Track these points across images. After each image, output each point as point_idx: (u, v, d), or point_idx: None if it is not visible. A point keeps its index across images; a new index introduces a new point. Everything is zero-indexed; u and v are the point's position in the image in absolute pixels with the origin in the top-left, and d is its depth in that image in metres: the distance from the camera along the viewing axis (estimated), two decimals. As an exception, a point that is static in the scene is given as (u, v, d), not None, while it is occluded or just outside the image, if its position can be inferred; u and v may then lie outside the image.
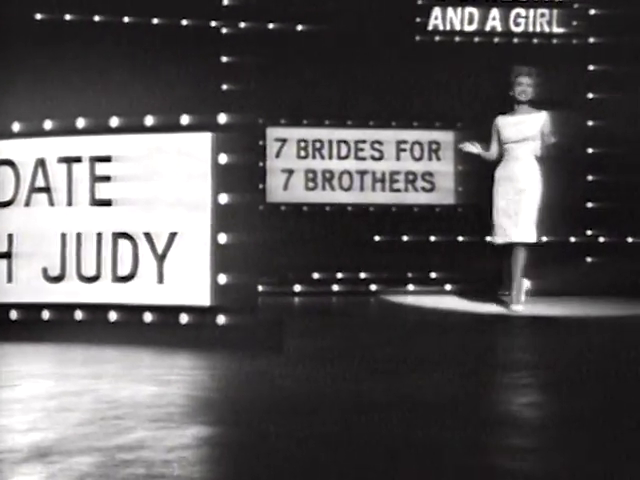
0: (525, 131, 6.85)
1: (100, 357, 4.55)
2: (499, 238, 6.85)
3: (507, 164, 6.88)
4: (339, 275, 8.27)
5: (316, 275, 8.24)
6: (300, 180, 8.75)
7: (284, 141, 8.70)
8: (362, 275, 8.30)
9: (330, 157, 8.78)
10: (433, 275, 8.37)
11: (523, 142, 6.85)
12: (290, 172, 8.73)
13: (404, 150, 8.84)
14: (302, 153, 8.76)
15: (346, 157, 8.81)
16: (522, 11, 8.88)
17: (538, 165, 6.84)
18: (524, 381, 4.07)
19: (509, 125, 6.92)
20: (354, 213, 8.75)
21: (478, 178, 8.64)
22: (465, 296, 7.65)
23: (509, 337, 5.86)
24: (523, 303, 6.81)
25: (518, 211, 6.76)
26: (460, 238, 8.70)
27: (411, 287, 8.24)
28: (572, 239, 8.75)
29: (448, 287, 8.20)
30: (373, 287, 8.19)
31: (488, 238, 6.99)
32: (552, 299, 7.28)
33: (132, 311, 4.93)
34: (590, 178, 8.84)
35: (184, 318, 4.89)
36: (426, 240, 8.72)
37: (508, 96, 6.84)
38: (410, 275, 8.32)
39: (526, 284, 6.94)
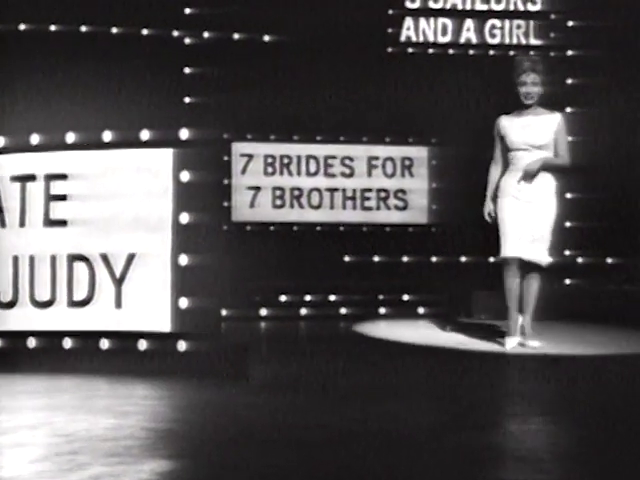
0: (535, 136, 6.07)
1: (55, 387, 4.53)
2: (507, 252, 6.03)
3: (513, 174, 6.08)
4: (307, 298, 8.29)
5: (283, 298, 8.25)
6: (267, 198, 8.77)
7: (250, 157, 8.73)
8: (332, 298, 8.33)
9: (299, 174, 8.82)
10: (406, 298, 8.42)
11: (533, 150, 6.05)
12: (257, 189, 8.75)
13: (376, 166, 8.89)
14: (269, 169, 8.79)
15: (315, 174, 8.84)
16: (497, 22, 8.99)
17: (552, 177, 6.13)
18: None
19: (515, 128, 6.12)
20: (324, 232, 8.78)
21: (453, 196, 8.73)
22: (441, 322, 7.67)
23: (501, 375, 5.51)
24: (536, 337, 6.15)
25: (528, 226, 6.01)
26: (434, 259, 8.76)
27: (383, 310, 8.28)
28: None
29: (421, 310, 8.25)
30: (343, 310, 8.22)
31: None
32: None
33: (88, 338, 4.92)
34: (568, 196, 8.93)
35: (143, 345, 4.89)
36: (399, 261, 8.77)
37: (513, 97, 6.09)
38: (382, 298, 8.36)
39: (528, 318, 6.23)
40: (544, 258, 6.10)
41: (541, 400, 4.49)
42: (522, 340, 6.16)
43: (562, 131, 6.12)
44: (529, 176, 6.03)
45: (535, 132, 6.08)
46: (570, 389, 4.78)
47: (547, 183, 6.10)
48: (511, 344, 6.09)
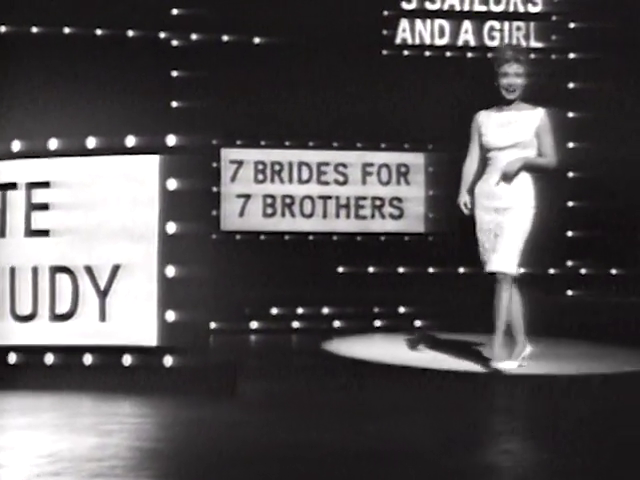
0: (515, 134, 5.69)
1: (37, 405, 4.52)
2: (488, 267, 5.80)
3: (490, 177, 5.74)
4: (299, 311, 8.29)
5: (274, 311, 8.25)
6: (257, 206, 8.79)
7: (240, 163, 8.75)
8: (324, 310, 8.33)
9: (290, 181, 8.84)
10: (402, 310, 8.43)
11: (512, 149, 5.69)
12: (246, 197, 8.77)
13: (370, 174, 8.93)
14: (260, 177, 8.81)
15: (308, 181, 8.87)
16: (496, 24, 9.04)
17: (531, 180, 5.75)
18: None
19: (494, 125, 5.75)
20: (316, 242, 8.80)
21: (451, 204, 8.75)
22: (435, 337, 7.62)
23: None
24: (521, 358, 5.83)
25: (499, 234, 5.71)
26: (431, 269, 8.78)
27: (378, 323, 8.28)
28: (551, 271, 8.85)
29: (418, 323, 8.27)
30: (336, 323, 8.23)
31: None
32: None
33: (71, 353, 4.91)
34: (571, 204, 8.96)
35: (128, 360, 4.88)
36: (394, 272, 8.79)
37: (494, 91, 5.69)
38: (377, 310, 8.37)
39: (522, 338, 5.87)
40: (509, 267, 5.71)
41: (511, 426, 4.45)
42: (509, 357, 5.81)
43: (546, 128, 5.70)
44: (508, 177, 5.68)
45: (515, 130, 5.69)
46: (541, 411, 4.74)
47: (525, 186, 5.73)
48: (508, 365, 5.71)
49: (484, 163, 5.81)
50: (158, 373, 4.84)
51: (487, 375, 5.64)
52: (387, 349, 6.95)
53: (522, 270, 5.97)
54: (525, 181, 5.73)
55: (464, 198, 5.86)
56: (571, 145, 8.93)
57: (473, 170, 5.86)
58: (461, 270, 8.77)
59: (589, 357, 6.53)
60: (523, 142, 5.67)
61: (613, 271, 8.87)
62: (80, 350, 4.92)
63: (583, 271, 8.89)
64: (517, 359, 5.80)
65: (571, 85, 9.06)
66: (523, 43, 9.07)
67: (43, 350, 4.95)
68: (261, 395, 4.90)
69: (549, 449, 3.84)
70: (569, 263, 8.86)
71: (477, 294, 8.12)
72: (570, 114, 8.96)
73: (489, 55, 8.91)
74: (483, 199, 5.78)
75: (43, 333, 4.96)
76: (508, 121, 5.71)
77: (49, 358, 4.96)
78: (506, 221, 5.71)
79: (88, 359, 4.92)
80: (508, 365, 5.74)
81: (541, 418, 4.54)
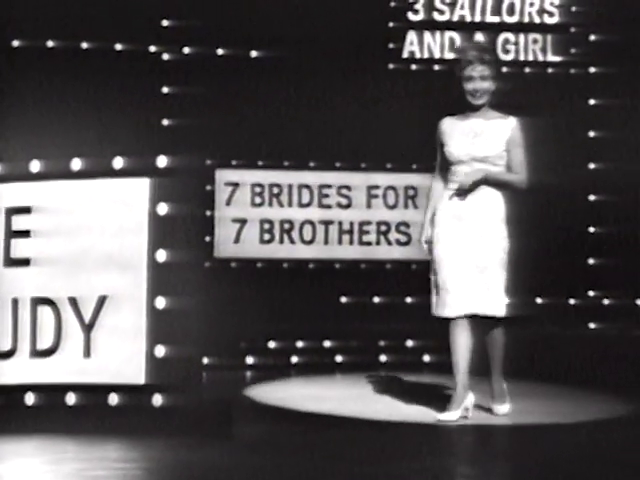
0: (481, 146, 5.31)
1: (17, 450, 4.52)
2: (446, 309, 5.35)
3: (460, 198, 5.36)
4: (299, 344, 8.29)
5: (272, 344, 8.25)
6: (254, 232, 8.80)
7: (236, 186, 8.77)
8: (326, 344, 8.32)
9: (290, 205, 8.86)
10: (410, 344, 8.42)
11: (477, 163, 5.31)
12: (242, 222, 8.78)
13: (376, 197, 8.94)
14: (257, 200, 8.83)
15: (308, 205, 8.88)
16: (511, 37, 9.07)
17: (503, 199, 5.36)
18: None
19: (458, 135, 5.35)
20: (317, 271, 8.81)
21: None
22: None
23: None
24: (506, 401, 5.57)
25: (483, 269, 5.29)
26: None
27: (384, 358, 8.27)
28: (571, 301, 8.85)
29: (427, 358, 8.25)
30: (339, 358, 8.22)
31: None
32: (546, 387, 6.93)
33: (54, 392, 4.91)
34: (592, 230, 8.96)
35: (115, 399, 4.88)
36: (402, 302, 8.78)
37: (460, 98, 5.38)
38: (383, 344, 8.36)
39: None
40: (498, 308, 5.30)
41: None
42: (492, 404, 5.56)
43: (517, 140, 5.34)
44: (462, 191, 5.31)
45: (482, 141, 5.31)
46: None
47: (494, 206, 5.34)
48: (449, 417, 5.35)
49: (447, 180, 5.43)
50: (147, 413, 4.84)
51: (427, 428, 5.34)
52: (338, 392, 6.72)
53: (512, 307, 5.43)
54: (498, 201, 5.35)
55: (427, 232, 5.45)
56: (592, 166, 8.95)
57: (439, 190, 5.45)
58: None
59: (588, 402, 6.30)
60: (490, 156, 5.31)
61: (639, 302, 8.86)
62: (63, 389, 4.91)
63: (606, 302, 8.88)
64: (504, 405, 5.54)
65: (592, 102, 9.08)
66: (540, 57, 9.10)
67: (23, 389, 4.94)
68: (257, 437, 4.89)
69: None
70: (591, 293, 8.85)
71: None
72: (591, 133, 8.98)
73: (504, 70, 9.04)
74: (447, 224, 5.38)
75: (23, 370, 4.96)
76: (473, 131, 5.34)
77: (29, 398, 4.95)
78: (478, 249, 5.29)
79: (71, 398, 4.92)
80: (458, 417, 5.37)
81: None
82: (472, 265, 5.30)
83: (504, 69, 5.72)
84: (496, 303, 5.31)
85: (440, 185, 5.45)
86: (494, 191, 5.33)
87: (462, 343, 5.37)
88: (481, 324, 5.40)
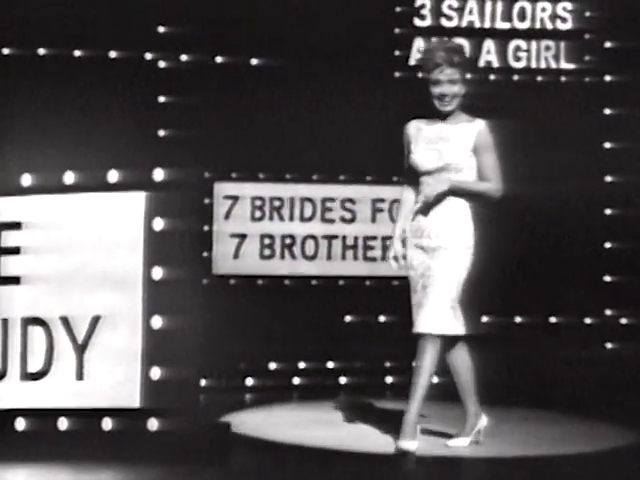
0: (445, 154, 5.18)
1: (6, 478, 4.51)
2: (416, 326, 5.43)
3: (424, 212, 5.27)
4: (301, 365, 8.29)
5: (273, 366, 8.25)
6: (254, 247, 8.80)
7: (235, 199, 8.77)
8: (330, 365, 8.32)
9: (291, 219, 8.86)
10: (417, 364, 8.41)
11: (443, 173, 5.19)
12: (242, 237, 8.78)
13: (381, 210, 8.94)
14: (257, 214, 8.83)
15: (311, 219, 8.88)
16: (523, 43, 9.09)
17: (468, 211, 5.25)
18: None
19: (423, 142, 5.26)
20: (320, 288, 8.80)
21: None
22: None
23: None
24: (472, 435, 5.42)
25: (427, 285, 5.24)
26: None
27: (390, 379, 8.27)
28: (587, 320, 8.85)
29: (435, 380, 8.25)
30: (343, 380, 8.22)
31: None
32: (558, 413, 6.84)
33: (45, 417, 4.93)
34: (608, 245, 8.96)
35: (109, 424, 4.89)
36: (408, 321, 8.76)
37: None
38: (389, 365, 8.36)
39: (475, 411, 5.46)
40: (442, 327, 5.27)
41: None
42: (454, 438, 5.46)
43: (485, 145, 5.21)
44: (427, 203, 5.21)
45: (446, 148, 5.19)
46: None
47: (457, 216, 5.25)
48: (407, 446, 5.24)
49: (418, 190, 5.31)
50: (142, 438, 4.85)
51: (391, 457, 5.28)
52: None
53: (471, 326, 5.40)
54: (461, 212, 5.25)
55: (396, 249, 5.39)
56: (608, 179, 8.96)
57: (410, 200, 5.37)
58: (484, 319, 8.75)
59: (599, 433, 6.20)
60: (455, 164, 5.18)
61: (658, 321, 8.86)
62: (55, 413, 4.93)
63: (624, 321, 8.87)
64: (469, 435, 5.43)
65: (607, 112, 9.09)
66: (552, 64, 9.11)
67: (13, 414, 4.95)
68: (256, 463, 4.90)
69: None
70: (608, 312, 8.85)
71: (506, 346, 8.13)
72: (606, 144, 8.99)
73: (515, 78, 9.06)
74: (412, 237, 5.32)
75: (13, 395, 4.98)
76: (439, 137, 5.22)
77: (20, 423, 4.96)
78: (435, 267, 5.21)
79: (64, 424, 4.94)
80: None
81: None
82: (422, 282, 5.26)
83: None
84: (451, 320, 5.25)
85: (411, 195, 5.38)
86: (459, 201, 5.23)
87: (428, 364, 5.35)
88: (445, 344, 5.36)
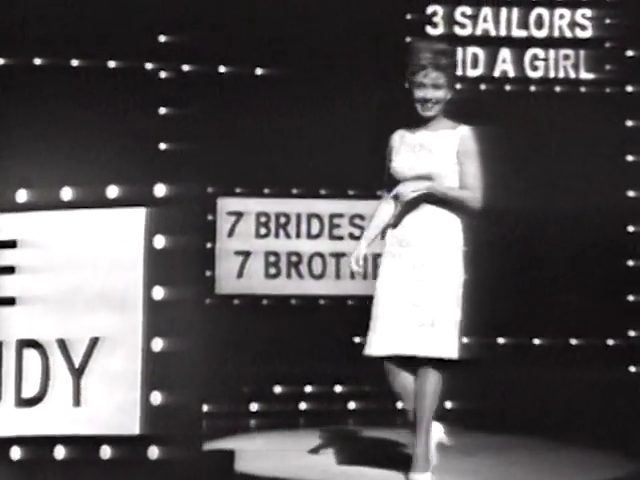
0: (426, 162, 5.09)
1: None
2: (378, 347, 5.17)
3: (399, 219, 5.22)
4: (308, 389, 8.27)
5: (278, 389, 8.23)
6: (259, 265, 8.80)
7: (239, 215, 8.78)
8: (338, 389, 8.30)
9: (298, 236, 8.86)
10: (430, 389, 8.38)
11: (426, 181, 5.08)
12: (246, 255, 8.78)
13: (391, 227, 8.93)
14: (262, 230, 8.83)
15: (318, 236, 8.88)
16: (540, 52, 9.09)
17: (456, 221, 5.15)
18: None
19: (405, 150, 5.19)
20: (328, 308, 8.80)
21: (485, 259, 8.74)
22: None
23: None
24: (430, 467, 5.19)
25: (419, 303, 5.06)
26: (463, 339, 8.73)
27: (401, 404, 8.23)
28: (609, 342, 8.82)
29: (449, 405, 8.20)
30: (352, 405, 8.19)
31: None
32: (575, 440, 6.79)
33: (41, 445, 4.90)
34: (631, 263, 8.95)
35: (107, 452, 4.87)
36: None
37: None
38: (400, 389, 8.32)
39: (440, 433, 5.33)
40: (445, 349, 5.06)
41: None
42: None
43: (468, 152, 5.07)
44: (403, 212, 5.16)
45: (427, 156, 5.09)
46: None
47: (448, 232, 5.14)
48: (419, 479, 5.12)
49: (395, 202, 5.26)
50: (142, 467, 4.83)
51: None
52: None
53: (464, 349, 5.24)
54: (448, 224, 5.15)
55: (360, 250, 5.36)
56: (631, 194, 8.95)
57: (388, 210, 5.31)
58: (500, 341, 8.73)
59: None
60: (437, 172, 5.06)
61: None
62: (51, 441, 4.90)
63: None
64: (428, 469, 5.17)
65: (629, 123, 9.08)
66: (572, 74, 9.10)
67: (7, 442, 4.93)
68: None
69: None
70: (631, 333, 8.82)
71: (521, 367, 8.08)
72: (629, 157, 8.98)
73: (532, 89, 9.05)
74: (390, 250, 5.26)
75: (7, 421, 4.96)
76: (420, 144, 5.12)
77: (15, 452, 4.94)
78: (426, 284, 5.06)
79: (60, 452, 4.91)
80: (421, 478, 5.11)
81: None
82: (411, 299, 5.06)
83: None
84: (437, 343, 5.04)
85: (389, 206, 5.31)
86: (449, 215, 5.12)
87: (431, 391, 5.17)
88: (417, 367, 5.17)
